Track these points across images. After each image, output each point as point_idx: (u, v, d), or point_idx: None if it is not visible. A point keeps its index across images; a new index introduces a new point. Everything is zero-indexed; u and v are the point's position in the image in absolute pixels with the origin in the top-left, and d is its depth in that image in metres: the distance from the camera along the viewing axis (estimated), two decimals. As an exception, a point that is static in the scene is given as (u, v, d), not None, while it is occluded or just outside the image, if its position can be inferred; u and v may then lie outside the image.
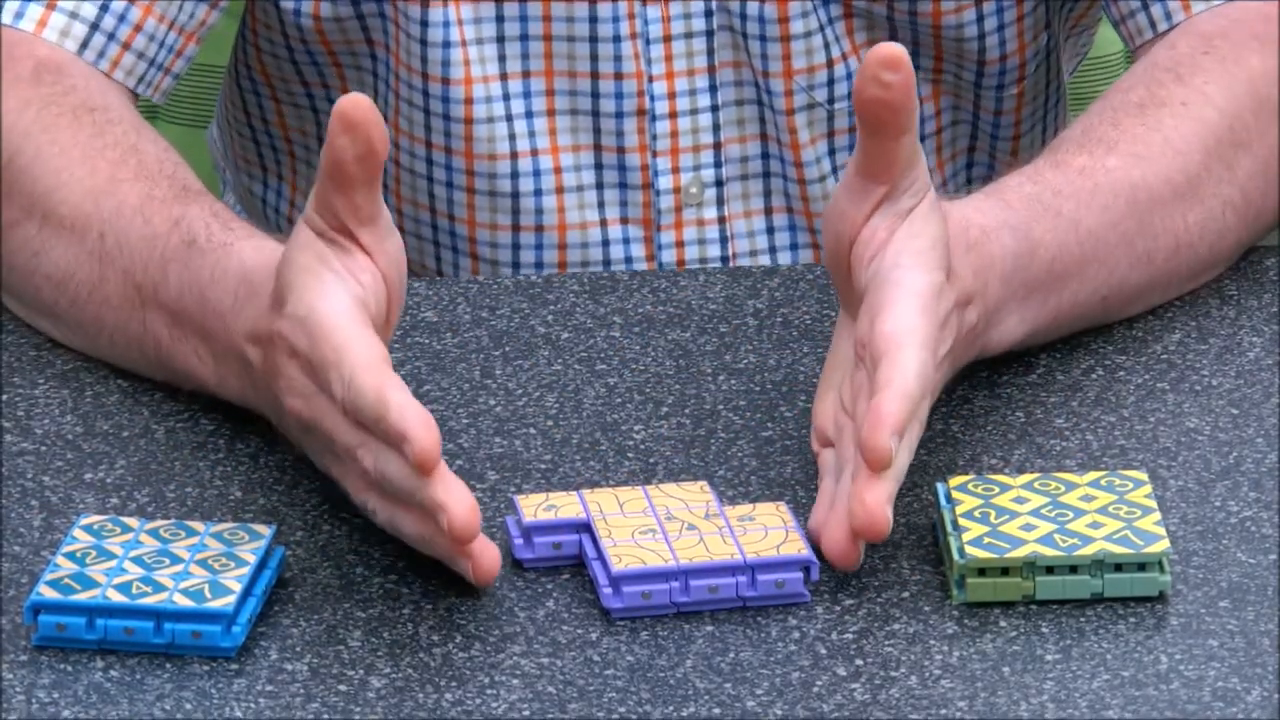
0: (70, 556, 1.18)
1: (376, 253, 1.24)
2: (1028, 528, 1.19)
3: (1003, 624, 1.17)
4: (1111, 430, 1.35)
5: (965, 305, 1.30)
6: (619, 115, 1.66)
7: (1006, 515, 1.21)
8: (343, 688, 1.13)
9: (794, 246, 1.70)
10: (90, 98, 1.51)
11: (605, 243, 1.68)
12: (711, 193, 1.68)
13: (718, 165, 1.68)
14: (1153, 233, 1.45)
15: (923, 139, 1.66)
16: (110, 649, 1.14)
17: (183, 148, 1.55)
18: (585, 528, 1.22)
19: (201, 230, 1.36)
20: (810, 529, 1.24)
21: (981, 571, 1.17)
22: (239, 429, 1.35)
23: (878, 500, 1.16)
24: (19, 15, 1.54)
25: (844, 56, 1.68)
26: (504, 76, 1.66)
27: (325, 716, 1.11)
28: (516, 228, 1.68)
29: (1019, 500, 1.22)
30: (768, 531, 1.22)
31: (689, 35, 1.65)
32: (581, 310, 1.48)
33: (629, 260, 1.68)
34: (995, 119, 1.75)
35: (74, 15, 1.55)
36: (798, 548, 1.20)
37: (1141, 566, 1.18)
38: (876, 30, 1.71)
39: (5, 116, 1.50)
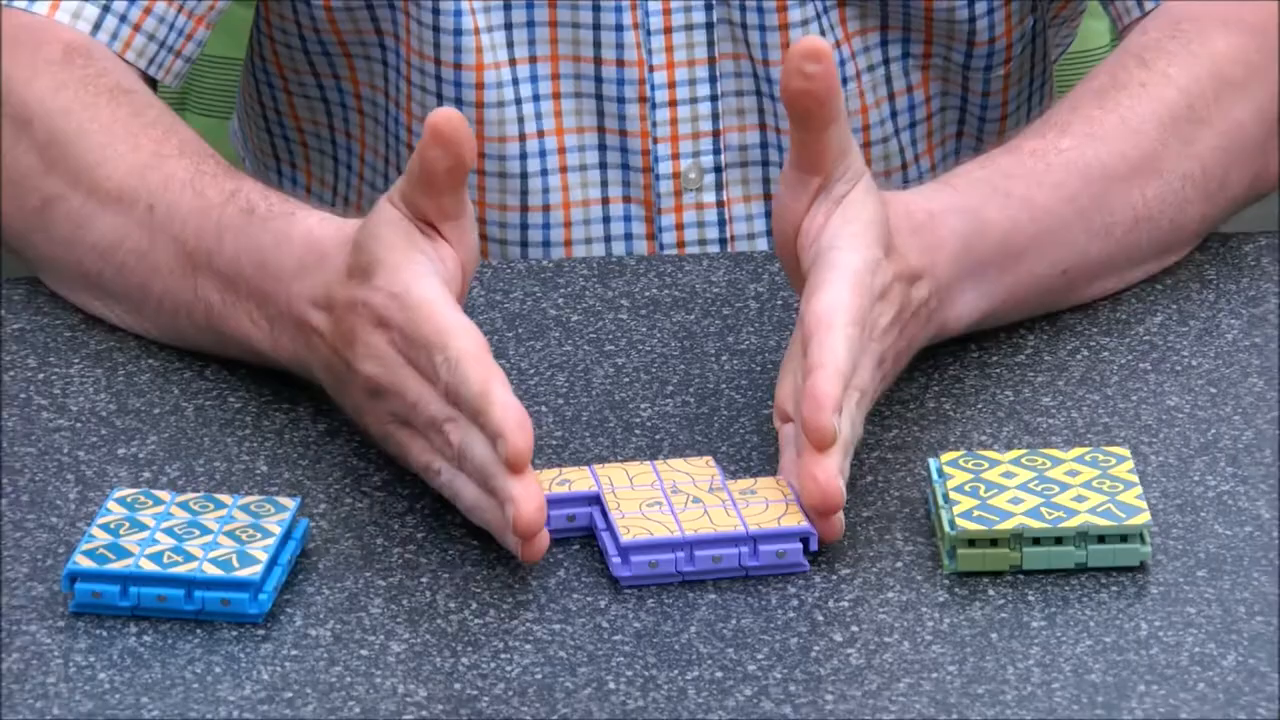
0: (105, 528, 1.20)
1: (457, 244, 1.27)
2: (1015, 501, 1.22)
3: (991, 593, 1.19)
4: (1095, 408, 1.37)
5: (913, 281, 1.32)
6: (621, 101, 1.68)
7: (995, 489, 1.23)
8: (364, 652, 1.15)
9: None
10: (121, 80, 1.53)
11: (607, 220, 1.70)
12: (711, 178, 1.70)
13: (717, 152, 1.70)
14: (1110, 207, 1.47)
15: (913, 125, 1.76)
16: (143, 615, 1.16)
17: (207, 139, 1.56)
18: (596, 500, 1.24)
19: (260, 200, 1.38)
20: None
21: (971, 543, 1.19)
22: (265, 406, 1.37)
23: (828, 475, 1.19)
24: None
25: (838, 44, 1.69)
26: (513, 62, 1.68)
27: (348, 679, 1.14)
28: (525, 208, 1.70)
29: (1007, 475, 1.24)
30: (768, 504, 1.24)
31: (689, 27, 1.67)
32: (590, 294, 1.49)
33: (629, 239, 1.71)
34: (983, 100, 1.78)
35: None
36: (797, 520, 1.22)
37: (1123, 538, 1.20)
38: (869, 18, 1.72)
39: (42, 96, 1.51)
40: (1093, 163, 1.47)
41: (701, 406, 1.38)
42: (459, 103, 1.66)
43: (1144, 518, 1.21)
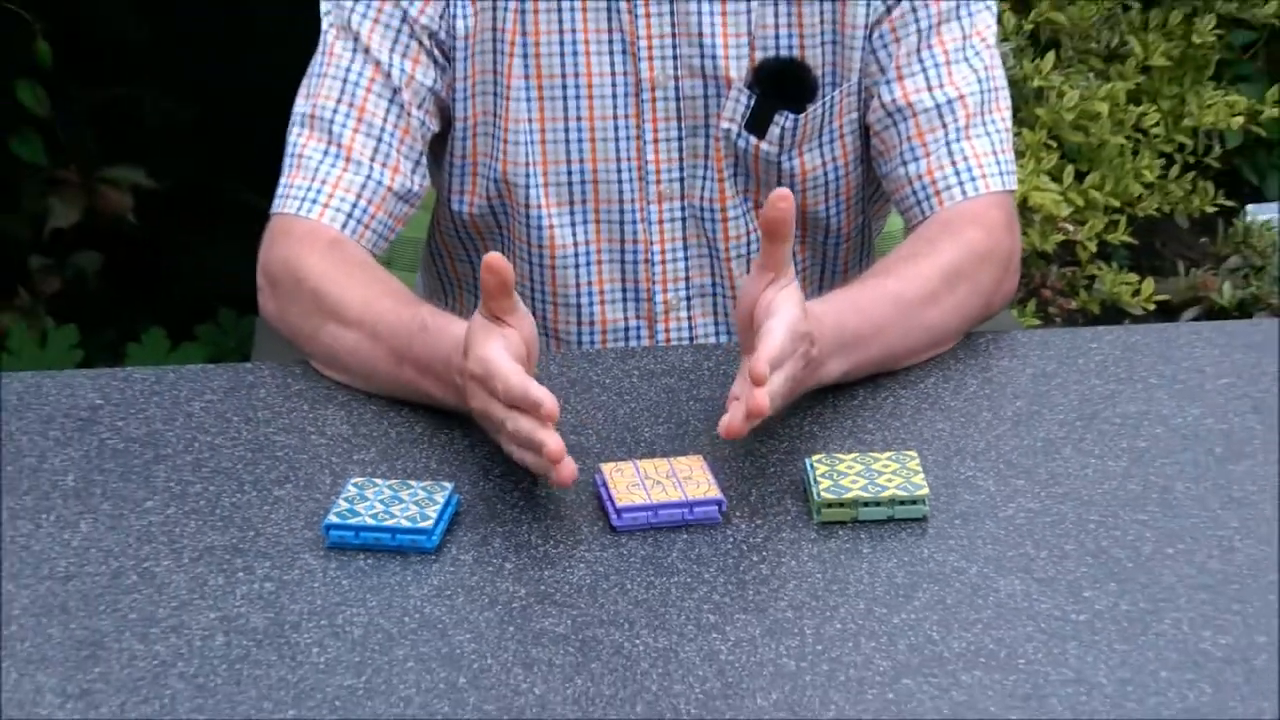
0: (345, 499, 1.27)
1: (518, 327, 1.30)
2: (854, 481, 1.28)
3: (840, 533, 1.26)
4: (898, 431, 1.41)
5: (811, 342, 1.34)
6: (635, 264, 1.68)
7: (842, 474, 1.29)
8: (488, 569, 1.22)
9: (727, 334, 1.71)
10: (357, 254, 1.55)
11: (625, 329, 1.70)
12: (684, 304, 1.70)
13: (688, 291, 1.70)
14: (911, 321, 1.48)
15: (800, 273, 1.71)
16: (367, 549, 1.24)
17: (402, 283, 1.60)
18: (605, 484, 1.29)
19: (430, 319, 1.41)
20: (727, 422, 1.27)
21: (829, 505, 1.27)
22: (434, 429, 1.41)
23: (760, 398, 1.22)
24: (311, 206, 1.56)
25: (755, 229, 1.68)
26: (574, 243, 1.67)
27: (480, 583, 1.21)
28: (579, 323, 1.70)
29: (849, 467, 1.30)
30: (698, 483, 1.29)
31: (672, 220, 1.67)
32: (616, 368, 1.52)
33: (639, 339, 1.71)
34: (835, 261, 1.77)
35: (337, 209, 1.56)
36: (714, 492, 1.28)
37: (913, 503, 1.27)
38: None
39: (315, 267, 1.52)
40: (902, 295, 1.48)
41: (680, 427, 1.41)
42: (540, 264, 1.68)
43: (924, 491, 1.28)
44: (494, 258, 1.27)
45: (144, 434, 1.40)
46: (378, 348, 1.44)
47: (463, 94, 1.62)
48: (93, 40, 2.60)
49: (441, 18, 1.59)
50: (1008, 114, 1.62)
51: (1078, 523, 1.27)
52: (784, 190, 1.29)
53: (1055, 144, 2.56)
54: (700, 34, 1.59)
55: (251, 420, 1.43)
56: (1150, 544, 1.24)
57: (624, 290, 1.69)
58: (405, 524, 1.24)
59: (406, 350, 1.41)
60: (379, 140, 1.57)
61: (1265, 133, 2.95)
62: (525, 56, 1.60)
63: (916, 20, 1.59)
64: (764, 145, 1.64)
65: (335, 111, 1.57)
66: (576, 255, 1.67)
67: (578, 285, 1.68)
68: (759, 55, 1.61)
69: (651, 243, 1.68)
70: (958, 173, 1.59)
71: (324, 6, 1.61)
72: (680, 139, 1.64)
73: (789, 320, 1.30)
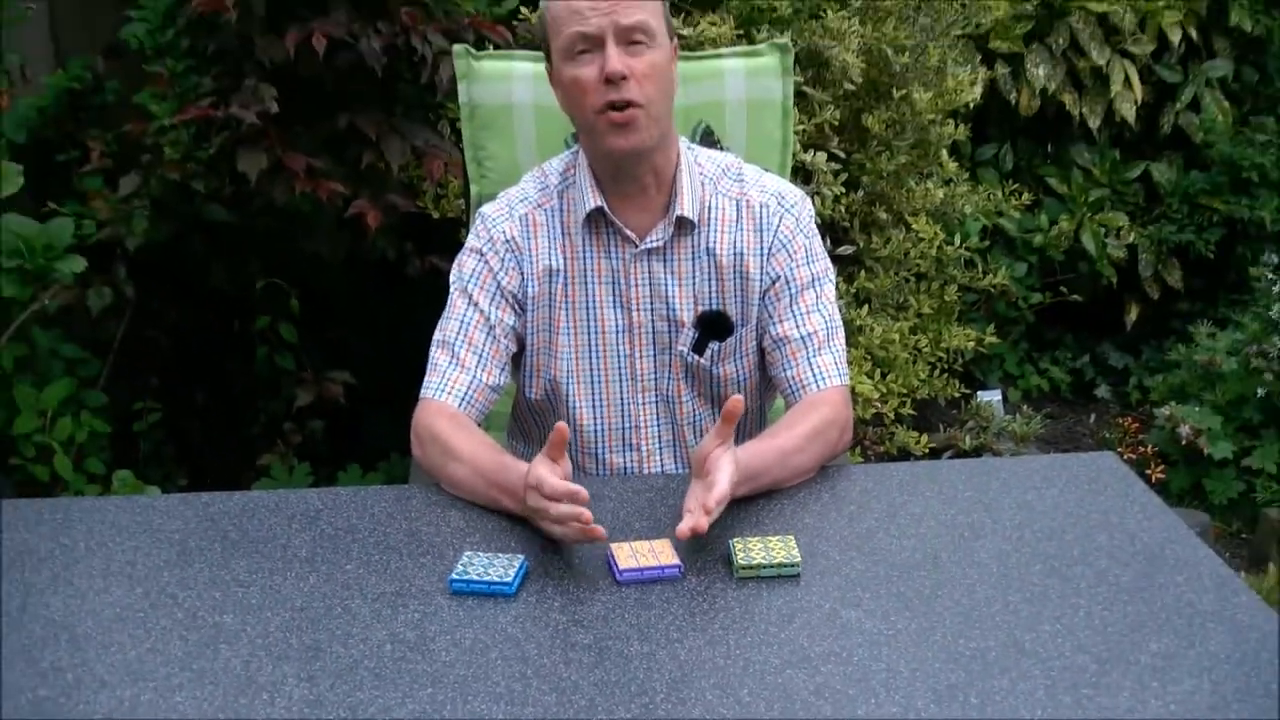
0: (461, 564, 1.27)
1: (560, 463, 1.31)
2: (758, 553, 1.27)
3: (749, 584, 1.25)
4: (783, 523, 1.38)
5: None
6: (629, 429, 1.63)
7: (750, 549, 1.28)
8: (543, 606, 1.21)
9: (684, 469, 1.63)
10: (468, 423, 1.52)
11: (624, 468, 1.64)
12: (658, 452, 1.64)
13: (659, 445, 1.64)
14: (788, 463, 1.46)
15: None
16: (474, 594, 1.24)
17: (495, 439, 1.56)
18: (611, 555, 1.27)
19: (511, 463, 1.40)
20: (679, 530, 1.24)
21: (743, 568, 1.26)
22: (512, 526, 1.38)
23: (704, 525, 1.23)
24: (440, 393, 1.53)
25: (698, 410, 1.65)
26: (593, 418, 1.62)
27: (537, 613, 1.20)
28: (596, 463, 1.64)
29: (754, 544, 1.29)
30: (667, 555, 1.27)
31: (651, 404, 1.62)
32: (619, 489, 1.47)
33: (632, 472, 1.63)
34: (744, 427, 1.66)
35: (456, 395, 1.52)
36: (676, 560, 1.27)
37: (792, 565, 1.26)
38: (700, 396, 1.63)
39: (444, 428, 1.49)
40: (784, 446, 1.47)
41: (656, 523, 1.37)
42: (577, 431, 1.63)
43: (798, 559, 1.27)
44: (562, 427, 1.31)
45: (348, 524, 1.41)
46: (478, 478, 1.43)
47: (531, 330, 1.61)
48: (317, 295, 2.74)
49: (519, 286, 1.59)
50: (843, 340, 1.62)
51: (890, 576, 1.28)
52: (738, 397, 1.31)
53: (870, 357, 2.63)
54: (666, 297, 1.60)
55: (408, 518, 1.42)
56: (929, 587, 1.25)
57: (623, 445, 1.66)
58: (495, 579, 1.26)
59: (494, 479, 1.41)
60: (480, 356, 1.56)
61: (987, 351, 3.09)
62: (566, 310, 1.61)
63: (789, 289, 1.60)
64: (702, 360, 1.62)
65: (455, 338, 1.57)
66: (595, 427, 1.64)
67: (595, 442, 1.65)
68: (699, 309, 1.61)
69: (639, 417, 1.65)
70: (814, 376, 1.57)
71: (451, 278, 1.61)
72: (655, 356, 1.62)
73: (730, 475, 1.32)
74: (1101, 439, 3.34)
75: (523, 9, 2.56)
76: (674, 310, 1.60)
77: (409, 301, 2.48)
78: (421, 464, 1.53)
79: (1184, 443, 2.93)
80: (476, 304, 1.58)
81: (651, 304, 1.60)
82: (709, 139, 1.83)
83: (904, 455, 2.69)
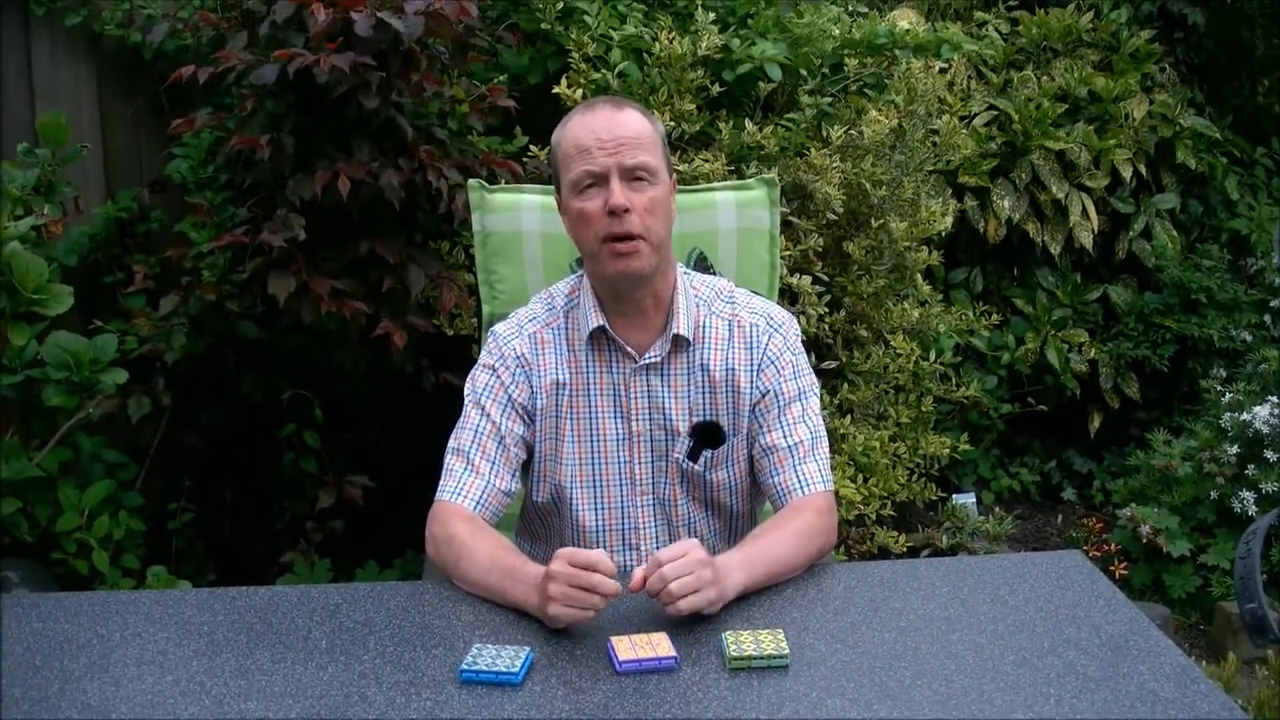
0: (471, 655, 1.26)
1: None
2: (749, 645, 1.26)
3: (740, 675, 1.24)
4: (773, 617, 1.37)
5: (705, 566, 1.31)
6: (628, 530, 1.62)
7: (742, 642, 1.26)
8: (548, 695, 1.20)
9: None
10: (481, 524, 1.50)
11: (624, 566, 1.57)
12: (654, 551, 1.45)
13: (657, 545, 1.62)
14: (778, 564, 1.44)
15: (713, 538, 1.66)
16: (483, 683, 1.22)
17: (506, 536, 1.55)
18: (612, 647, 1.26)
19: (521, 564, 1.39)
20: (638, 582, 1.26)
21: (735, 659, 1.24)
22: (520, 620, 1.37)
23: (637, 582, 1.22)
24: (456, 496, 1.52)
25: (693, 512, 1.64)
26: (595, 521, 1.61)
27: (541, 701, 1.18)
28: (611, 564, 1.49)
29: (746, 637, 1.27)
30: (665, 647, 1.25)
31: (649, 507, 1.61)
32: (623, 589, 1.35)
33: (631, 570, 1.40)
34: (734, 530, 1.68)
35: (470, 498, 1.52)
36: (673, 652, 1.25)
37: (781, 657, 1.24)
38: (696, 502, 1.63)
39: (459, 529, 1.47)
40: (773, 546, 1.46)
41: (654, 617, 1.35)
42: (576, 532, 1.61)
43: (787, 652, 1.26)
44: (601, 552, 1.31)
45: (365, 617, 1.40)
46: (491, 575, 1.42)
47: (539, 438, 1.61)
48: (339, 404, 2.76)
49: (529, 398, 1.59)
50: (826, 448, 1.61)
51: (873, 666, 1.27)
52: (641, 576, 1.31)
53: (852, 463, 2.63)
54: (663, 408, 1.60)
55: (422, 611, 1.41)
56: (909, 677, 1.24)
57: (623, 544, 1.65)
58: (503, 670, 1.25)
59: (508, 575, 1.40)
60: (493, 463, 1.55)
61: (961, 457, 3.13)
62: (571, 420, 1.61)
63: (777, 402, 1.60)
64: (696, 467, 1.62)
65: (470, 446, 1.56)
66: (597, 528, 1.63)
67: (598, 544, 1.64)
68: (694, 419, 1.61)
69: (638, 519, 1.64)
70: (800, 483, 1.57)
71: (466, 390, 1.60)
72: (652, 463, 1.62)
73: (673, 551, 1.32)
74: (1068, 538, 3.37)
75: (531, 146, 2.63)
76: (670, 420, 1.61)
77: (424, 411, 2.56)
78: (435, 562, 1.52)
79: (1144, 541, 2.97)
80: (489, 415, 1.58)
81: (650, 415, 1.61)
82: (703, 264, 1.86)
83: (884, 554, 2.67)
